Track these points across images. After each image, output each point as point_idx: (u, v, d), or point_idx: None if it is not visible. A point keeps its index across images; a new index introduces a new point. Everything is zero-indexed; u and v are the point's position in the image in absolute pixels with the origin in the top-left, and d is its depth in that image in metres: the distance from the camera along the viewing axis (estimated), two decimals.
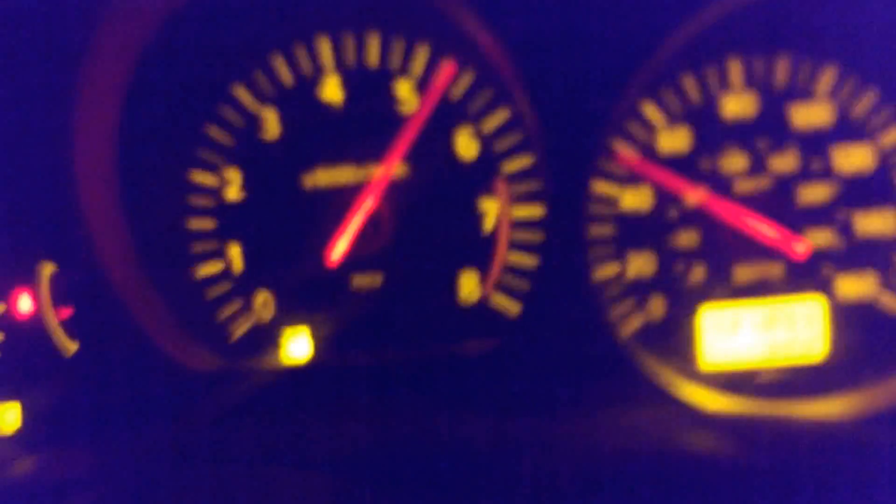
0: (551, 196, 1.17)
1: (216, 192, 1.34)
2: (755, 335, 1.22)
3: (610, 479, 0.93)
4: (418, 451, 1.03)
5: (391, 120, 1.28)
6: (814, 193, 1.21)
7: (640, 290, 1.26)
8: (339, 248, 1.29)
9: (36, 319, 1.36)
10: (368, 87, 1.28)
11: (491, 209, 1.28)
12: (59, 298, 1.36)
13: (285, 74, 1.30)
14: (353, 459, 1.00)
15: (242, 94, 1.31)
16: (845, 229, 1.20)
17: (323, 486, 0.95)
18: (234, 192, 1.33)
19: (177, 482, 0.97)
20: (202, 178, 1.34)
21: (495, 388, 1.17)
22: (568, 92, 1.11)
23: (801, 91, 1.20)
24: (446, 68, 1.26)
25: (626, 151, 1.24)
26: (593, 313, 1.16)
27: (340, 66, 1.29)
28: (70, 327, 1.36)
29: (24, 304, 1.36)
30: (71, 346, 1.35)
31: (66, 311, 1.36)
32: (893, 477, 0.83)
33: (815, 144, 1.20)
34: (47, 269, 1.34)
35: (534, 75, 1.12)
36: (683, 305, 1.25)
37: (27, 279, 1.35)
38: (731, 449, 1.00)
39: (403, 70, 1.27)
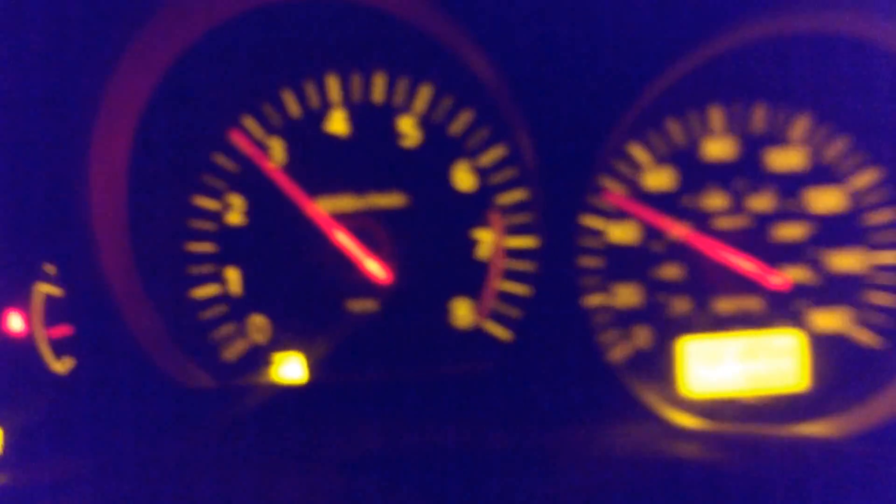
0: (544, 229, 1.22)
1: (218, 217, 1.37)
2: (736, 365, 1.28)
3: (595, 489, 0.97)
4: (410, 467, 1.05)
5: (393, 153, 1.34)
6: (789, 232, 1.28)
7: (626, 320, 1.32)
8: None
9: (28, 339, 1.37)
10: (373, 122, 1.34)
11: (485, 239, 1.33)
12: (51, 319, 1.38)
13: (293, 107, 1.36)
14: (346, 476, 1.02)
15: (250, 124, 1.36)
16: (818, 266, 1.28)
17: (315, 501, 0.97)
18: (235, 217, 1.37)
19: (169, 497, 0.98)
20: (205, 202, 1.37)
21: (487, 409, 1.20)
22: (562, 132, 1.17)
23: (777, 137, 1.29)
24: None
25: (614, 188, 1.32)
26: (583, 341, 1.21)
27: (347, 101, 1.35)
28: (60, 347, 1.37)
29: (16, 323, 1.37)
30: (59, 366, 1.35)
31: (57, 331, 1.37)
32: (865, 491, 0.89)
33: (790, 186, 1.28)
34: (42, 290, 1.35)
35: (532, 116, 1.19)
36: (668, 335, 1.31)
37: (20, 300, 1.37)
38: (711, 458, 1.05)
39: (407, 107, 1.34)
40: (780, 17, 1.18)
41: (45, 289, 1.36)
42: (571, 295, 1.20)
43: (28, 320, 1.36)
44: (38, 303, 1.36)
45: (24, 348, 1.37)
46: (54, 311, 1.38)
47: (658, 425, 1.20)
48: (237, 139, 1.36)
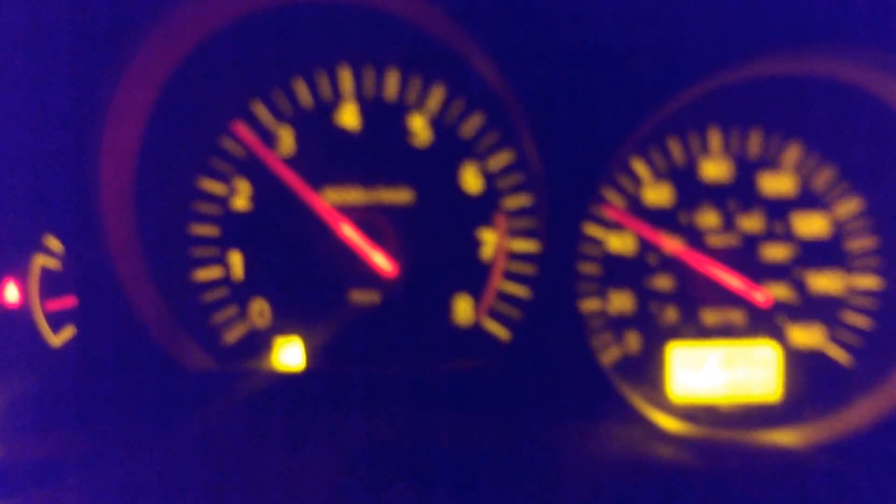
0: (547, 234, 1.27)
1: (224, 201, 1.38)
2: (718, 372, 1.36)
3: (583, 483, 1.02)
4: (400, 458, 1.09)
5: (402, 149, 1.37)
6: (775, 252, 1.36)
7: (618, 325, 1.38)
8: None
9: (23, 310, 1.36)
10: (384, 117, 1.36)
11: (490, 240, 1.37)
12: (47, 291, 1.37)
13: (305, 97, 1.37)
14: (340, 464, 1.05)
15: (261, 112, 1.37)
16: (800, 286, 1.36)
17: (307, 488, 1.00)
18: (241, 202, 1.37)
19: (160, 475, 1.00)
20: (212, 186, 1.38)
21: (485, 404, 1.25)
22: (570, 143, 1.22)
23: (770, 161, 1.36)
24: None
25: (615, 200, 1.37)
26: (577, 343, 1.26)
27: (359, 94, 1.37)
28: (56, 320, 1.36)
29: (11, 294, 1.35)
30: (55, 339, 1.35)
31: (54, 305, 1.36)
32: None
33: (779, 209, 1.36)
34: (40, 262, 1.34)
35: (541, 126, 1.22)
36: (656, 341, 1.38)
37: (18, 270, 1.35)
38: (692, 461, 1.13)
39: (419, 105, 1.36)
40: (780, 60, 1.24)
41: (43, 261, 1.35)
42: (569, 299, 1.25)
43: (24, 291, 1.35)
44: (35, 274, 1.35)
45: (18, 319, 1.36)
46: (51, 285, 1.38)
47: (642, 427, 1.27)
48: (241, 131, 1.36)
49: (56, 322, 1.37)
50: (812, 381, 1.36)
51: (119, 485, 0.98)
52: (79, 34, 1.20)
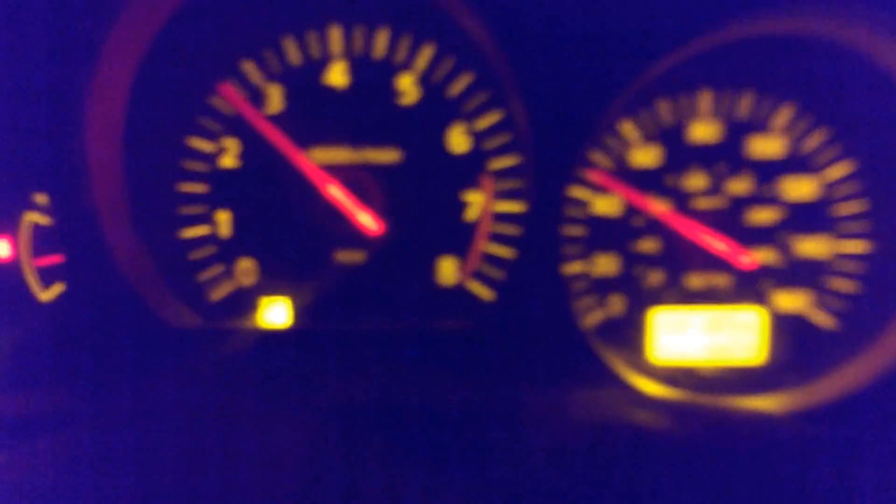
0: (533, 196, 1.26)
1: (212, 159, 1.38)
2: (701, 337, 1.36)
3: (561, 446, 1.03)
4: (381, 416, 1.10)
5: (390, 109, 1.37)
6: (762, 215, 1.35)
7: (602, 288, 1.38)
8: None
9: (13, 265, 1.37)
10: (372, 76, 1.36)
11: (475, 201, 1.37)
12: (38, 248, 1.39)
13: (294, 55, 1.36)
14: (324, 422, 1.06)
15: (250, 70, 1.37)
16: (786, 250, 1.35)
17: (291, 448, 1.01)
18: (229, 160, 1.38)
19: (137, 433, 1.01)
20: (200, 144, 1.38)
21: (466, 363, 1.26)
22: (558, 104, 1.21)
23: (759, 124, 1.34)
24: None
25: (602, 162, 1.36)
26: (561, 304, 1.27)
27: (348, 53, 1.36)
28: (46, 276, 1.38)
29: (2, 249, 1.37)
30: (45, 295, 1.36)
31: (44, 261, 1.37)
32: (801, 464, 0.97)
33: (767, 172, 1.35)
34: (30, 218, 1.35)
35: (530, 86, 1.22)
36: (640, 305, 1.38)
37: (8, 226, 1.37)
38: (671, 425, 1.13)
39: (407, 64, 1.35)
40: (774, 19, 1.22)
41: (33, 217, 1.36)
42: (552, 261, 1.25)
43: (15, 247, 1.37)
44: (25, 230, 1.37)
45: (8, 274, 1.38)
46: (42, 241, 1.39)
47: (622, 391, 1.28)
48: (228, 91, 1.36)
49: (47, 278, 1.39)
50: (795, 347, 1.36)
51: (94, 442, 1.01)
52: (62, 7, 1.20)
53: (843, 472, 1.00)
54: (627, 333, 1.38)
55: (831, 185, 1.34)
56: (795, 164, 1.34)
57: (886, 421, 1.24)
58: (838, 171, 1.34)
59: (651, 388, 1.31)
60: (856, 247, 1.34)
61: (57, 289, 1.36)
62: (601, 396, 1.25)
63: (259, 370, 1.28)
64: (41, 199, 1.35)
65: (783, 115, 1.34)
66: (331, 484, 0.94)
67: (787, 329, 1.36)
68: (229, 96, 1.36)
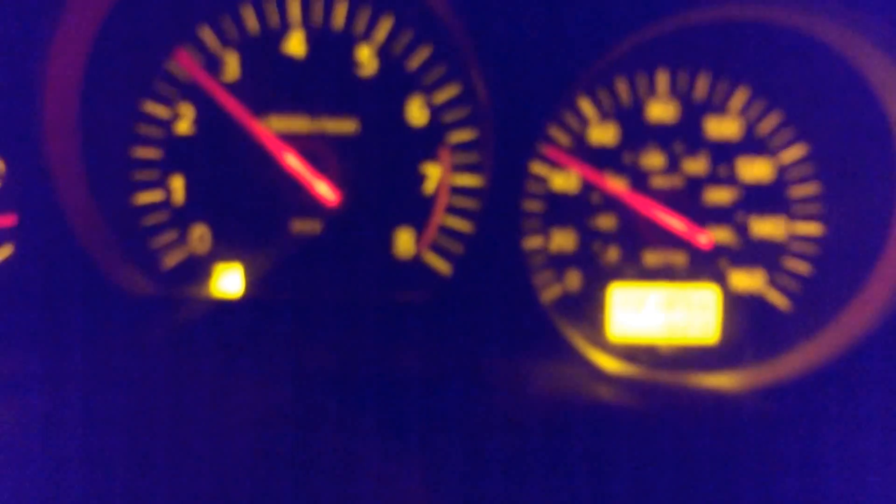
0: (492, 170, 1.25)
1: (167, 125, 1.36)
2: (657, 314, 1.36)
3: (518, 421, 1.02)
4: (344, 386, 1.09)
5: (348, 80, 1.36)
6: (718, 195, 1.36)
7: (559, 263, 1.38)
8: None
9: None
10: (331, 47, 1.35)
11: (433, 174, 1.36)
12: None
13: (252, 23, 1.35)
14: (278, 392, 1.04)
15: (207, 36, 1.35)
16: (742, 230, 1.36)
17: (243, 417, 0.99)
18: (184, 127, 1.36)
19: (85, 403, 0.99)
20: (156, 109, 1.36)
21: (423, 335, 1.24)
22: (520, 79, 1.21)
23: (716, 105, 1.35)
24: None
25: (560, 139, 1.36)
26: (521, 279, 1.26)
27: (307, 22, 1.35)
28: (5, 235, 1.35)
29: None
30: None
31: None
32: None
33: (724, 153, 1.36)
34: None
35: (491, 61, 1.21)
36: (597, 281, 1.38)
37: None
38: (629, 400, 1.12)
39: (366, 36, 1.35)
40: (731, 4, 1.24)
41: None
42: (512, 235, 1.24)
43: None
44: None
45: None
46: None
47: (580, 366, 1.27)
48: (183, 59, 1.35)
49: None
50: (751, 326, 1.36)
51: (41, 406, 0.98)
52: None
53: (800, 448, 1.00)
54: (585, 309, 1.37)
55: (786, 168, 1.35)
56: (751, 145, 1.35)
57: (842, 401, 1.25)
58: (792, 153, 1.35)
59: (610, 363, 1.30)
60: (810, 228, 1.35)
61: (5, 252, 1.34)
62: (560, 371, 1.25)
63: (211, 339, 1.26)
64: None
65: (739, 98, 1.35)
66: (285, 454, 0.92)
67: (743, 308, 1.36)
68: (185, 63, 1.35)
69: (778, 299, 1.36)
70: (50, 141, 1.24)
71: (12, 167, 1.28)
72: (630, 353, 1.36)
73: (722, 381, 1.30)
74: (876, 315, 1.24)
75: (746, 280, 1.36)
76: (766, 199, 1.36)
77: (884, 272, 1.29)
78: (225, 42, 1.35)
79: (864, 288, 1.31)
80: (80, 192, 1.29)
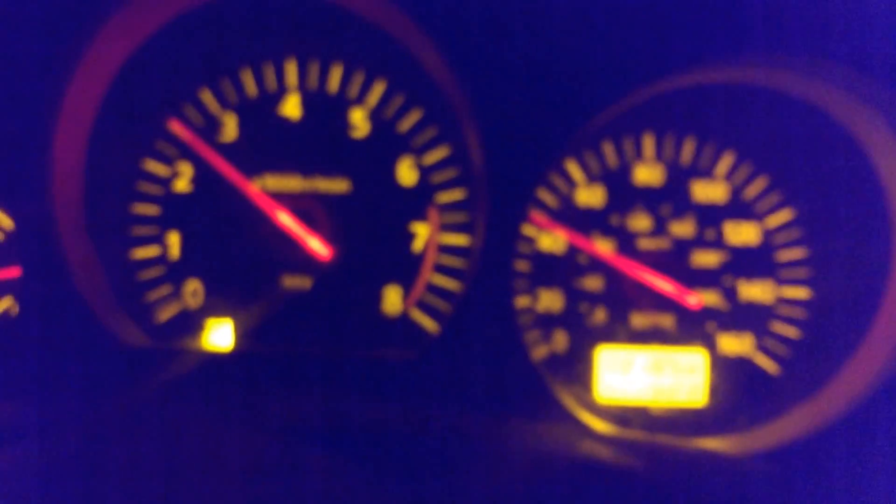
0: (485, 231, 1.26)
1: (166, 182, 1.42)
2: (645, 376, 1.35)
3: (506, 479, 1.01)
4: (330, 439, 1.09)
5: (341, 141, 1.40)
6: (706, 258, 1.36)
7: (547, 324, 1.38)
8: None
9: None
10: (325, 110, 1.40)
11: (421, 233, 1.39)
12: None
13: (250, 87, 1.41)
14: (265, 444, 1.05)
15: (207, 99, 1.41)
16: (730, 293, 1.36)
17: (232, 468, 1.00)
18: (182, 185, 1.41)
19: (81, 451, 1.00)
20: (156, 167, 1.42)
21: (408, 394, 1.25)
22: (512, 142, 1.23)
23: (702, 170, 1.37)
24: None
25: (547, 201, 1.38)
26: (511, 339, 1.26)
27: (303, 86, 1.40)
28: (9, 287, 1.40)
29: None
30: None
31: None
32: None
33: (711, 217, 1.36)
34: None
35: (485, 124, 1.23)
36: (584, 342, 1.38)
37: None
38: (617, 459, 1.11)
39: (359, 99, 1.39)
40: (718, 70, 1.26)
41: None
42: (504, 295, 1.25)
43: None
44: None
45: None
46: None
47: (571, 426, 1.26)
48: (176, 128, 1.40)
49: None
50: (739, 390, 1.35)
51: (39, 455, 1.00)
52: (36, 28, 1.25)
53: None
54: (572, 370, 1.37)
55: (772, 232, 1.36)
56: (738, 209, 1.36)
57: (830, 466, 1.22)
58: (779, 218, 1.35)
59: (600, 425, 1.29)
60: (798, 292, 1.35)
61: (6, 303, 1.38)
62: (548, 430, 1.24)
63: (202, 390, 1.28)
64: None
65: (725, 162, 1.36)
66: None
67: (731, 372, 1.35)
68: (178, 130, 1.41)
69: (766, 363, 1.35)
70: (56, 197, 1.30)
71: (19, 222, 1.35)
72: (623, 414, 1.35)
73: (713, 444, 1.29)
74: (874, 376, 1.23)
75: (735, 344, 1.36)
76: (753, 262, 1.36)
77: (880, 333, 1.28)
78: (224, 104, 1.41)
79: (859, 350, 1.29)
80: (82, 247, 1.34)
